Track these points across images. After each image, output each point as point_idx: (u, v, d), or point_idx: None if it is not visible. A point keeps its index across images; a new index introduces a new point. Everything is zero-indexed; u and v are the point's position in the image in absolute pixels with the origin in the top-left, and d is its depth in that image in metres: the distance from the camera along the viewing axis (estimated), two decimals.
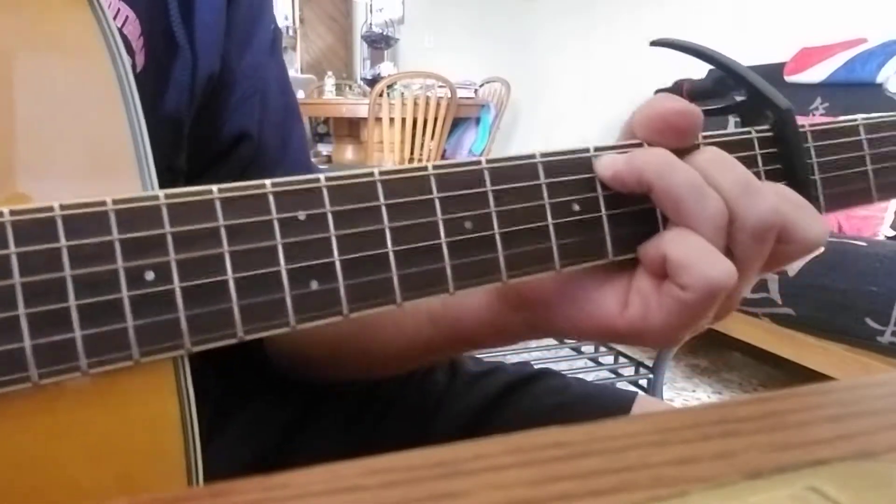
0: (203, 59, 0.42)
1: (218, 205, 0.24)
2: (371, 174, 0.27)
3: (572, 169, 0.30)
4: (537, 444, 0.20)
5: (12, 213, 0.22)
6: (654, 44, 0.39)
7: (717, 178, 0.29)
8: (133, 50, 0.39)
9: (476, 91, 3.71)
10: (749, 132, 0.33)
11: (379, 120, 3.17)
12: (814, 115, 2.13)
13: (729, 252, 0.29)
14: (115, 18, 0.34)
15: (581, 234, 0.30)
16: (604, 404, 0.48)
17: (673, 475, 0.18)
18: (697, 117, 0.30)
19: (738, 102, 0.34)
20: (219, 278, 0.24)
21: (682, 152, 0.30)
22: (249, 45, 0.46)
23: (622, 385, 1.23)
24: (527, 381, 0.50)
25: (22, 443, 0.23)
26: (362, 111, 3.27)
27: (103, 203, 0.23)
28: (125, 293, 0.23)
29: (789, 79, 2.25)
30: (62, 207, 0.23)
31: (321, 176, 0.26)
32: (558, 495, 0.18)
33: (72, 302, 0.23)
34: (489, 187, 0.28)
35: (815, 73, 2.18)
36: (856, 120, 0.36)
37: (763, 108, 0.34)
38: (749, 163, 0.32)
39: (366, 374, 0.47)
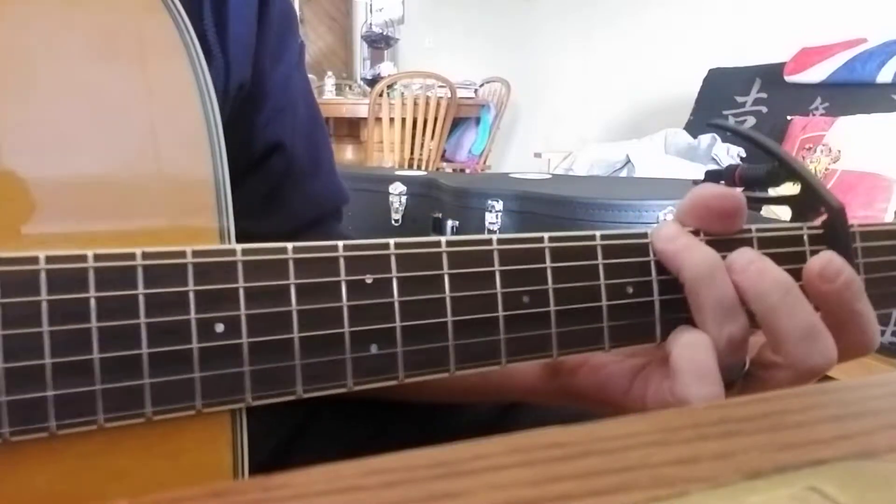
0: (235, 67, 0.42)
1: (291, 263, 0.25)
2: (438, 243, 0.27)
3: (630, 252, 0.30)
4: (537, 444, 0.20)
5: (97, 257, 0.23)
6: (710, 125, 0.39)
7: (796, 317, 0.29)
8: None
9: (476, 91, 3.70)
10: (801, 227, 0.33)
11: (379, 120, 3.17)
12: (814, 114, 2.12)
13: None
14: None
15: (632, 317, 0.30)
16: None
17: (673, 475, 0.18)
18: (738, 200, 0.30)
19: (789, 195, 0.35)
20: (285, 336, 0.25)
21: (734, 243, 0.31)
22: (281, 58, 0.46)
23: None
24: None
25: (80, 482, 0.24)
26: (362, 111, 3.26)
27: (183, 254, 0.24)
28: (195, 344, 0.24)
29: (789, 79, 2.25)
30: (144, 256, 0.23)
31: (391, 241, 0.27)
32: (558, 495, 0.18)
33: (144, 349, 0.23)
34: (548, 264, 0.29)
35: (815, 73, 2.18)
36: None
37: (815, 204, 0.34)
38: (798, 259, 0.32)
39: (397, 400, 0.47)
